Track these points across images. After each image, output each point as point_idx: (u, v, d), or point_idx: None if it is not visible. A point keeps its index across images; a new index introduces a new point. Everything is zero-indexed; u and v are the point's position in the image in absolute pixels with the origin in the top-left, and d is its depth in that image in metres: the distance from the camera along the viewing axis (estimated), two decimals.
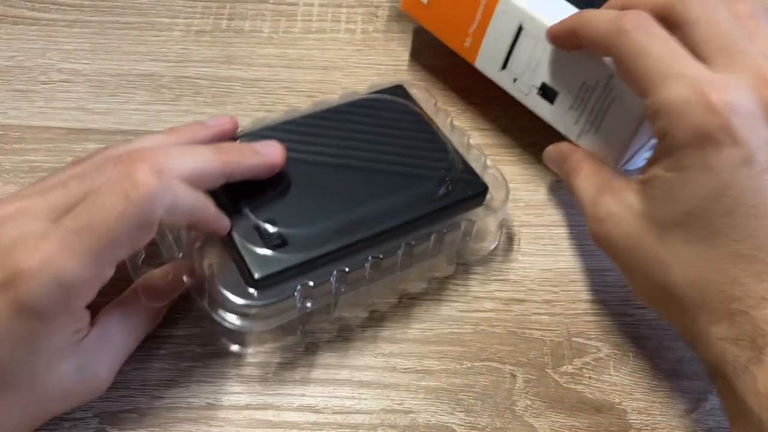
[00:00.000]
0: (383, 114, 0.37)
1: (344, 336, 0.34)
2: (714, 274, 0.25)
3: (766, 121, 0.26)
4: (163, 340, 0.34)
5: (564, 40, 0.34)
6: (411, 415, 0.32)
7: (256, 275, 0.31)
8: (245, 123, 0.36)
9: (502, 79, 0.40)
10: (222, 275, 0.32)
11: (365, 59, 0.46)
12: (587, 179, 0.33)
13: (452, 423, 0.32)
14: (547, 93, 0.38)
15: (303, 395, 0.32)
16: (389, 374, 0.33)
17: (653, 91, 0.27)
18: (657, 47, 0.28)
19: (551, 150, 0.37)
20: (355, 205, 0.33)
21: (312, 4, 0.49)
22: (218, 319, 0.32)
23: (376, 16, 0.48)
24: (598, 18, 0.30)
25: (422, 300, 0.36)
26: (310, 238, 0.32)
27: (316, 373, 0.33)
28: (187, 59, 0.45)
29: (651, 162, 0.29)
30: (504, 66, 0.39)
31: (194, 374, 0.33)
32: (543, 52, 0.37)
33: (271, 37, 0.47)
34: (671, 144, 0.27)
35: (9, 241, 0.25)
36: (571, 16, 0.33)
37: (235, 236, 0.32)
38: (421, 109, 0.37)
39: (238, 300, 0.31)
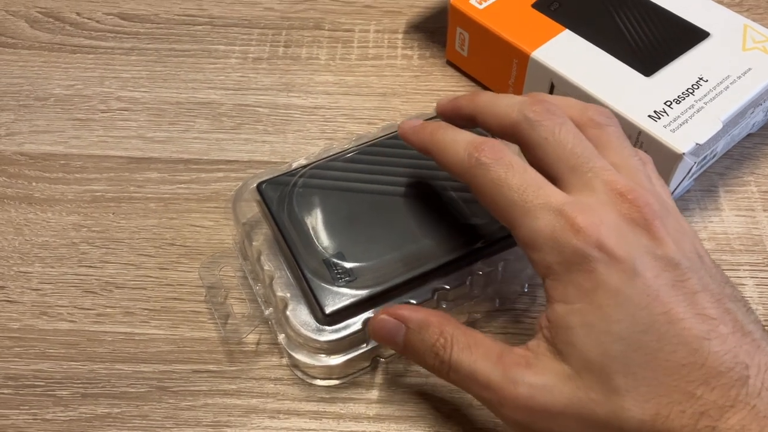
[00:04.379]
0: None
1: (418, 369, 0.33)
2: (670, 396, 0.24)
3: (632, 232, 0.26)
4: (234, 374, 0.33)
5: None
6: None
7: (327, 310, 0.31)
8: (313, 150, 0.36)
9: None
10: (294, 310, 0.32)
11: (424, 85, 0.45)
12: (475, 355, 0.27)
13: None
14: None
15: None
16: (467, 410, 0.32)
17: (520, 223, 0.27)
18: (516, 179, 0.27)
19: (377, 320, 0.30)
20: (420, 235, 0.33)
21: (368, 31, 0.49)
22: (291, 353, 0.31)
23: (433, 41, 0.48)
24: (456, 146, 0.29)
25: (496, 330, 0.35)
26: (378, 270, 0.32)
27: (391, 409, 0.32)
28: (246, 87, 0.45)
29: (547, 309, 0.27)
30: None
31: (267, 410, 0.32)
32: None
33: (328, 64, 0.47)
34: (557, 279, 0.26)
35: None
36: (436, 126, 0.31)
37: (305, 272, 0.32)
38: (486, 136, 0.36)
39: (310, 334, 0.31)
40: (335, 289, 0.31)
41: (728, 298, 0.26)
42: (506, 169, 0.27)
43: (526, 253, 0.27)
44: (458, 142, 0.29)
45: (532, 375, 0.26)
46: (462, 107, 0.32)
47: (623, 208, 0.26)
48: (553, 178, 0.28)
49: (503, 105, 0.30)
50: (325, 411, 0.32)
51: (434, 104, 0.41)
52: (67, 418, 0.32)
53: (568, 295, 0.26)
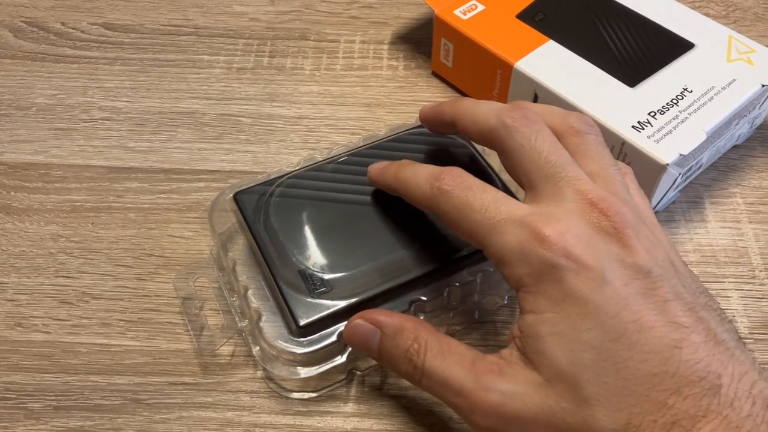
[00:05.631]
0: (434, 150, 0.36)
1: (395, 383, 0.33)
2: (641, 406, 0.23)
3: (601, 240, 0.25)
4: (210, 387, 0.32)
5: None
6: None
7: (301, 322, 0.30)
8: (293, 161, 0.35)
9: None
10: (268, 321, 0.32)
11: (408, 96, 0.45)
12: (448, 361, 0.27)
13: None
14: None
15: None
16: (446, 424, 0.32)
17: (488, 241, 0.27)
18: (477, 199, 0.27)
19: (352, 325, 0.30)
20: (398, 246, 0.33)
21: (353, 41, 0.48)
22: (265, 366, 0.31)
23: (419, 52, 0.48)
24: (417, 180, 0.30)
25: (476, 342, 0.34)
26: (354, 281, 0.31)
27: (369, 423, 0.31)
28: (229, 97, 0.45)
29: (518, 319, 0.26)
30: None
31: (243, 423, 0.31)
32: None
33: (313, 74, 0.46)
34: (527, 291, 0.26)
35: None
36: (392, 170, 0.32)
37: (280, 282, 0.31)
38: (475, 148, 0.36)
39: (284, 346, 0.31)
40: (310, 300, 0.31)
41: (702, 306, 0.25)
42: (467, 192, 0.27)
43: (499, 270, 0.27)
44: (419, 175, 0.30)
45: (504, 382, 0.25)
46: (443, 113, 0.32)
47: (593, 218, 0.26)
48: (527, 186, 0.28)
49: (483, 111, 0.30)
50: (302, 425, 0.31)
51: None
52: None
53: (538, 305, 0.25)
